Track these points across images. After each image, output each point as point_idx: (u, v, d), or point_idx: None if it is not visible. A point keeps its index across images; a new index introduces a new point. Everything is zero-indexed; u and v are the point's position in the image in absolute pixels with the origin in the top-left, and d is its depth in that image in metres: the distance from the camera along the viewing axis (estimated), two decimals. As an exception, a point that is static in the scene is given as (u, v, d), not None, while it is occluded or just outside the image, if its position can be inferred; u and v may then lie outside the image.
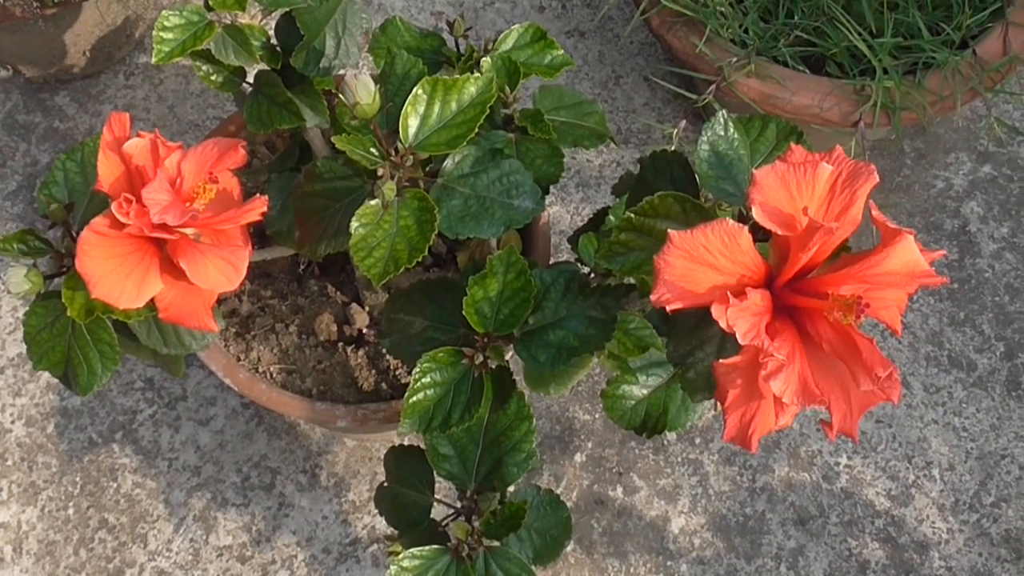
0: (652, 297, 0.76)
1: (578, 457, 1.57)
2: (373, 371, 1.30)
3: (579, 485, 1.55)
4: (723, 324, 0.74)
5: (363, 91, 0.89)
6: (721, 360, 0.78)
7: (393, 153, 0.93)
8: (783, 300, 0.80)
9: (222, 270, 0.91)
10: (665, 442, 1.58)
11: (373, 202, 0.92)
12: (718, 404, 0.82)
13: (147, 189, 0.88)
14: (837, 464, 1.57)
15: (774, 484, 1.56)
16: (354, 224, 0.92)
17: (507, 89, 1.12)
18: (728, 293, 0.74)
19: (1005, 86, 1.44)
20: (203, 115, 1.81)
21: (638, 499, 1.54)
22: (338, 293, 1.36)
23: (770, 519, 1.54)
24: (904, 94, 1.39)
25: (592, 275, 1.06)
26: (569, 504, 1.53)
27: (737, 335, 0.74)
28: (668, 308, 0.76)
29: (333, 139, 0.91)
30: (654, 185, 0.93)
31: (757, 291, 0.76)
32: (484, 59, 1.14)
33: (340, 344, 1.32)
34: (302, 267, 1.38)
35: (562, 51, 1.19)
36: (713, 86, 1.41)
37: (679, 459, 1.57)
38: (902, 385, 1.62)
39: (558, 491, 1.54)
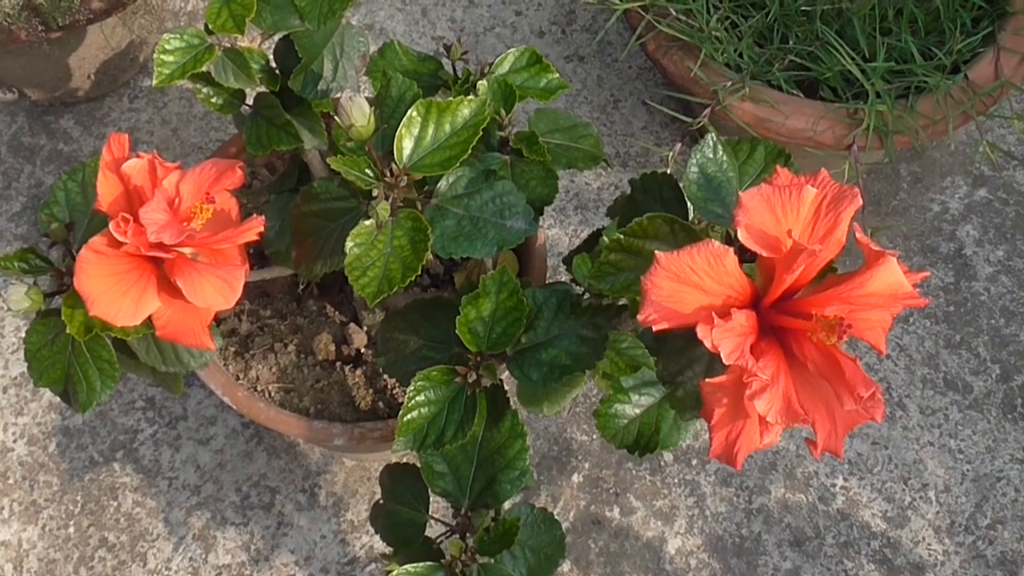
0: (639, 317, 0.77)
1: (575, 477, 1.58)
2: (370, 390, 1.31)
3: (576, 505, 1.56)
4: (708, 344, 0.75)
5: (358, 113, 0.91)
6: (707, 380, 0.79)
7: (388, 174, 0.95)
8: (769, 321, 0.81)
9: (218, 289, 0.92)
10: (662, 463, 1.59)
11: (368, 222, 0.94)
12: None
13: (145, 209, 0.90)
14: (833, 485, 1.58)
15: (770, 505, 1.56)
16: (349, 244, 0.93)
17: (502, 112, 1.13)
18: (713, 314, 0.75)
19: (997, 110, 1.46)
20: (206, 137, 1.83)
21: (635, 520, 1.55)
22: (336, 313, 1.37)
23: (766, 540, 1.54)
24: (897, 118, 1.40)
25: (586, 295, 1.07)
26: (566, 524, 1.54)
27: (722, 355, 0.75)
28: (654, 328, 0.77)
29: (329, 160, 0.92)
30: (644, 206, 0.95)
31: (742, 312, 0.77)
32: (480, 82, 1.15)
33: (338, 364, 1.33)
34: (301, 287, 1.39)
35: (557, 75, 1.20)
36: (708, 110, 1.43)
37: (676, 480, 1.58)
38: (898, 407, 1.63)
39: (555, 511, 1.55)
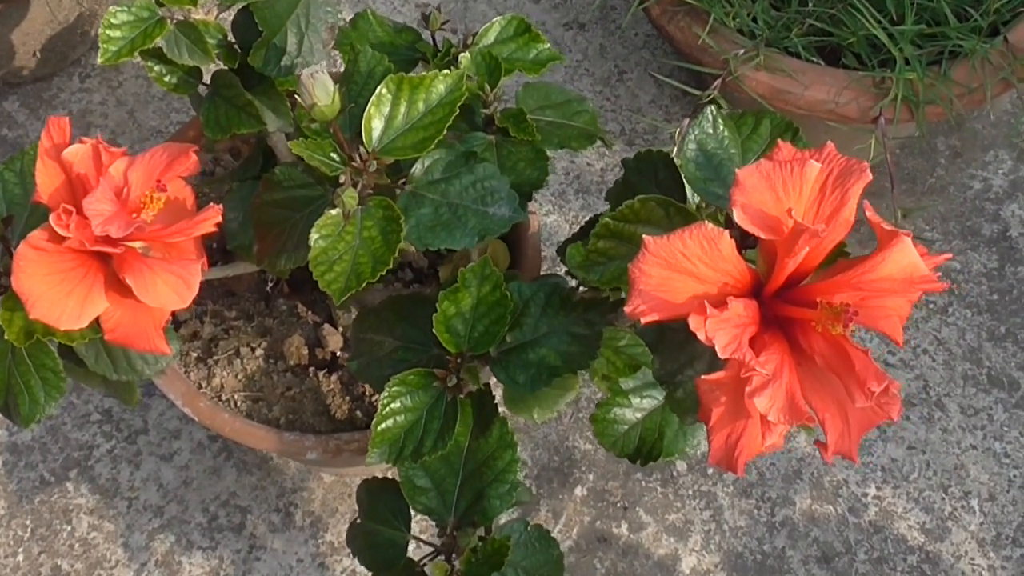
0: (626, 309, 0.79)
1: (579, 491, 1.60)
2: (347, 397, 1.33)
3: (580, 521, 1.58)
4: (701, 336, 0.76)
5: (321, 91, 0.93)
6: (704, 376, 0.80)
7: (356, 158, 0.96)
8: (773, 310, 0.83)
9: (172, 286, 0.93)
10: (674, 473, 1.61)
11: (334, 212, 0.95)
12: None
13: (89, 199, 0.91)
14: (865, 495, 1.60)
15: (795, 518, 1.58)
16: (314, 236, 0.95)
17: (487, 87, 1.15)
18: (705, 303, 0.76)
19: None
20: (166, 120, 1.85)
21: (645, 536, 1.57)
22: (309, 313, 1.39)
23: (791, 557, 1.56)
24: (928, 86, 1.41)
25: (582, 288, 1.09)
26: (569, 542, 1.56)
27: (716, 348, 0.76)
28: (643, 321, 0.78)
29: (289, 144, 0.94)
30: (639, 188, 0.96)
31: (740, 301, 0.79)
32: (463, 55, 1.17)
33: (311, 368, 1.35)
34: (270, 285, 1.41)
35: (548, 45, 1.22)
36: (718, 81, 1.44)
37: (690, 492, 1.60)
38: (937, 407, 1.64)
39: (557, 528, 1.56)
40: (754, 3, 1.50)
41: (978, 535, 1.57)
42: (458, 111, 1.07)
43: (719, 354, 0.77)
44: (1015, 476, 1.60)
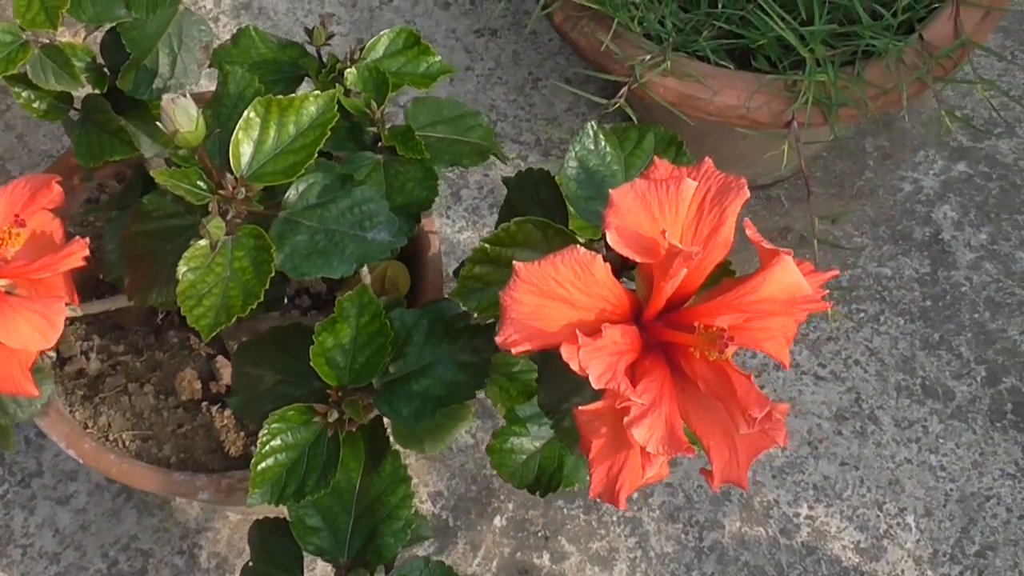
0: (498, 339, 0.79)
1: (498, 521, 1.60)
2: (241, 433, 1.33)
3: (500, 553, 1.58)
4: (574, 367, 0.77)
5: (182, 117, 0.92)
6: (581, 407, 0.81)
7: (225, 185, 0.96)
8: (654, 335, 0.83)
9: (36, 326, 0.93)
10: (597, 499, 1.61)
11: (203, 242, 0.95)
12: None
13: (-60, 238, 0.91)
14: (797, 515, 1.60)
15: (724, 542, 1.59)
16: (182, 268, 0.95)
17: (373, 104, 1.15)
18: (577, 331, 0.77)
19: (957, 74, 1.48)
20: (57, 144, 1.84)
21: (568, 566, 1.57)
22: (202, 345, 1.39)
23: (721, 582, 1.57)
24: (841, 88, 1.43)
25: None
26: (489, 575, 1.56)
27: (591, 378, 0.77)
28: (514, 351, 0.79)
29: (152, 172, 0.94)
30: (520, 208, 0.97)
31: (616, 327, 0.79)
32: (349, 70, 1.17)
33: (204, 404, 1.35)
34: (160, 316, 1.40)
35: (439, 58, 1.22)
36: (624, 89, 1.45)
37: (614, 518, 1.60)
38: (870, 421, 1.65)
39: (476, 560, 1.57)
40: (661, 4, 1.51)
41: (915, 553, 1.59)
42: (339, 131, 1.09)
43: (593, 384, 0.77)
44: (951, 490, 1.62)
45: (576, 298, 0.79)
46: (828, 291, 0.86)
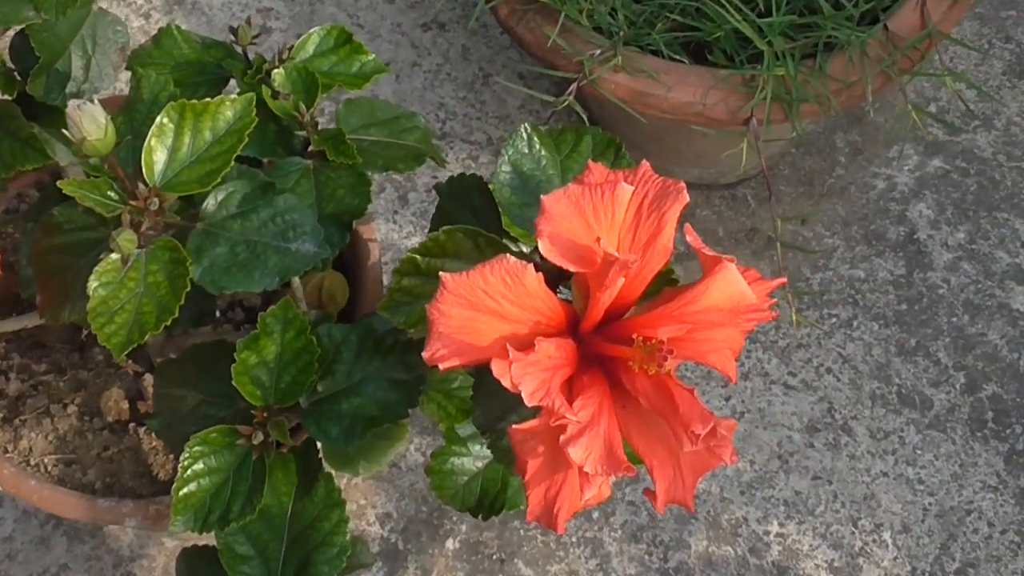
0: (424, 354, 0.79)
1: (450, 544, 1.59)
2: (171, 456, 1.32)
3: (452, 579, 1.58)
4: (506, 383, 0.77)
5: (90, 124, 0.92)
6: (515, 426, 0.80)
7: (137, 196, 0.96)
8: (592, 349, 0.83)
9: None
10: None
11: (114, 256, 0.95)
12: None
13: None
14: (767, 533, 1.60)
15: (691, 562, 1.59)
16: (93, 284, 0.94)
17: (302, 106, 1.15)
18: (507, 345, 0.76)
19: (924, 66, 1.48)
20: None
21: (525, 591, 1.57)
22: (129, 362, 1.38)
23: (687, 606, 1.57)
24: (802, 83, 1.43)
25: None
26: (440, 603, 1.56)
27: (523, 395, 0.77)
28: (442, 367, 0.78)
29: (59, 183, 0.93)
30: (453, 217, 0.97)
31: (551, 341, 0.79)
32: (276, 71, 1.16)
33: (131, 425, 1.34)
34: (84, 333, 1.40)
35: (372, 56, 1.22)
36: (573, 86, 1.45)
37: (573, 539, 1.60)
38: (843, 432, 1.65)
39: (427, 588, 1.56)
40: (613, -4, 1.51)
41: (892, 571, 1.59)
42: (267, 135, 1.08)
43: (526, 401, 0.77)
44: (930, 504, 1.62)
45: (507, 310, 0.79)
46: (775, 299, 0.85)
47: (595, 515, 1.61)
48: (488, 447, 0.91)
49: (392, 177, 1.80)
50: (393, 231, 1.78)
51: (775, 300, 0.85)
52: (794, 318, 1.49)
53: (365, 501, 1.61)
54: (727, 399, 1.66)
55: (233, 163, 0.96)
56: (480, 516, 1.09)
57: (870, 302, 1.74)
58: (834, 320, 1.73)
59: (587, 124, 1.11)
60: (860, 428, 1.67)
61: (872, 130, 1.85)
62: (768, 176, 1.43)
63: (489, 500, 1.10)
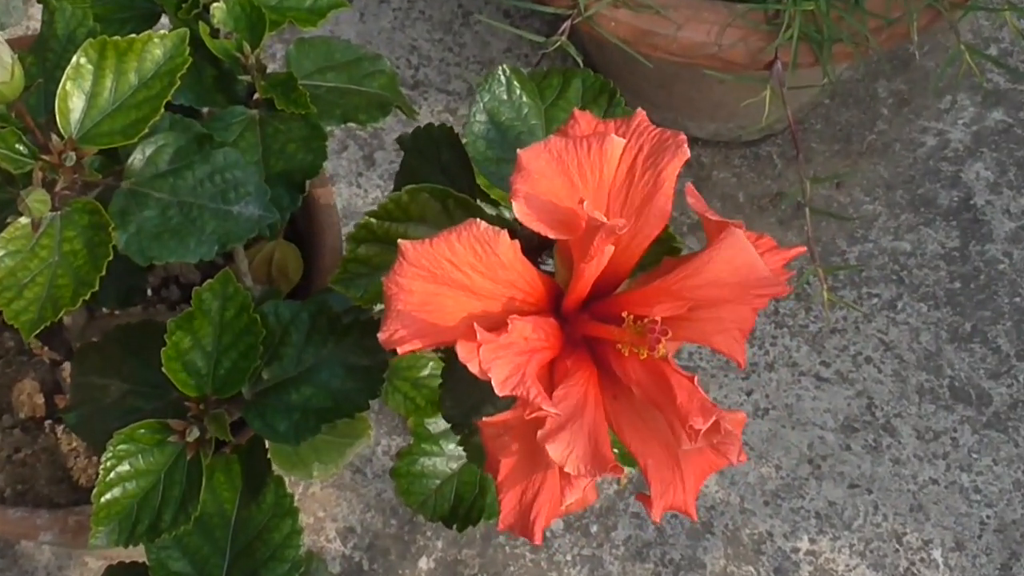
0: (381, 336, 0.80)
1: (424, 563, 1.60)
2: (93, 458, 1.33)
3: (426, 603, 1.59)
4: (474, 368, 0.77)
5: (-6, 66, 0.93)
6: (486, 419, 0.81)
7: (51, 149, 0.97)
8: (578, 329, 0.84)
9: None
10: (548, 534, 1.62)
11: (23, 220, 0.96)
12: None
13: None
14: (795, 551, 1.61)
15: (705, 585, 1.60)
16: (-1, 253, 0.95)
17: (246, 47, 1.15)
18: (475, 324, 0.77)
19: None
20: None
21: (511, 618, 1.59)
22: (45, 349, 1.39)
23: (701, 635, 1.58)
24: (835, 20, 1.43)
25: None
26: (412, 632, 1.57)
27: (494, 383, 0.77)
28: (400, 350, 0.79)
29: (-46, 137, 0.94)
30: (420, 175, 0.98)
31: (528, 320, 0.80)
32: (216, 5, 1.17)
33: (48, 422, 1.35)
34: (-8, 317, 1.41)
35: (330, -13, 1.23)
36: (566, 24, 1.45)
37: (568, 557, 1.61)
38: (885, 432, 1.66)
39: (396, 614, 1.58)
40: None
41: (941, 595, 1.60)
42: (205, 80, 1.09)
43: (496, 390, 0.78)
44: (988, 517, 1.63)
45: (478, 284, 0.79)
46: (792, 272, 0.86)
47: (594, 529, 1.62)
48: (460, 444, 0.92)
49: (356, 133, 1.81)
50: (357, 196, 1.79)
51: (792, 272, 0.86)
52: (827, 298, 1.50)
53: (324, 513, 1.62)
54: (748, 393, 1.66)
55: (164, 111, 0.96)
56: (455, 527, 1.11)
57: (917, 280, 1.75)
58: (875, 301, 1.73)
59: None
60: (905, 428, 1.67)
61: (920, 77, 1.85)
62: (796, 131, 1.44)
63: (465, 508, 1.11)
